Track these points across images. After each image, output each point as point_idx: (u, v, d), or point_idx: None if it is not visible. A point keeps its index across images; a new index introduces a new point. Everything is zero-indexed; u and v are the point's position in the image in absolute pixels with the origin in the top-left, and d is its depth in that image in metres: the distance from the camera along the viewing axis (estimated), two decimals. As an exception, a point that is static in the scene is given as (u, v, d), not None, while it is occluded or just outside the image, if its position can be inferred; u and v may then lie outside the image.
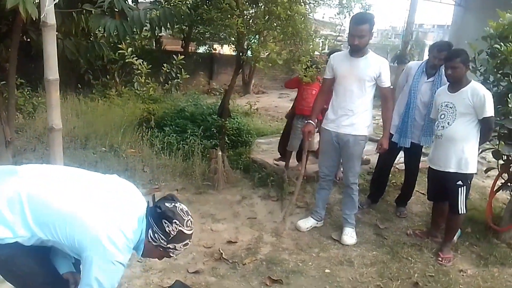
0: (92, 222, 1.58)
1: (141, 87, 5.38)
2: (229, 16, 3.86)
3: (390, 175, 4.30)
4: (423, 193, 4.25)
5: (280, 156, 5.13)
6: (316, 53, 4.25)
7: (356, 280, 2.89)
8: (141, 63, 4.71)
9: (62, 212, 1.57)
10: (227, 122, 4.99)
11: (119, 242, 1.60)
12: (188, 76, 5.49)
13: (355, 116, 3.24)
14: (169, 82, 5.73)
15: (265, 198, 4.25)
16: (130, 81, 6.71)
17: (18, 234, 1.53)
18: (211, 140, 5.20)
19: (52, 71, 2.41)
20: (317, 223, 3.61)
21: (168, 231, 1.67)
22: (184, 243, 1.74)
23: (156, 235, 1.68)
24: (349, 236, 3.40)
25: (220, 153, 4.55)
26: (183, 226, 1.71)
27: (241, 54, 4.43)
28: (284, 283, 2.79)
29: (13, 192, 1.55)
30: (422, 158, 3.96)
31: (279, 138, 5.27)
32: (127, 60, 5.12)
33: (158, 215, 1.69)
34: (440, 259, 3.19)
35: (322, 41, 4.38)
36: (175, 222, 1.69)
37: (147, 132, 5.25)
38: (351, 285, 2.83)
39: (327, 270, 2.98)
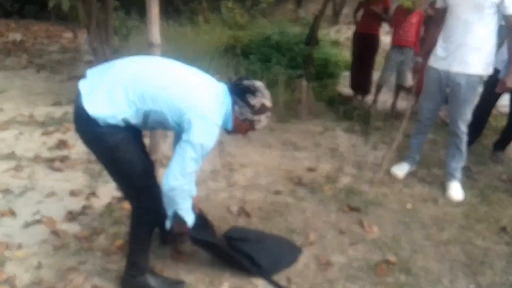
0: (188, 89, 1.74)
1: (227, 13, 5.37)
2: None
3: (491, 117, 3.93)
4: (526, 139, 3.85)
5: (353, 93, 4.93)
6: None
7: (439, 218, 2.80)
8: (230, -13, 4.65)
9: (158, 83, 1.72)
10: (314, 51, 4.84)
11: (213, 106, 1.75)
12: (275, 1, 5.32)
13: (471, 52, 2.78)
14: (255, 7, 5.63)
15: (349, 131, 4.18)
16: (217, 7, 6.70)
17: (124, 109, 1.67)
18: (296, 70, 5.14)
19: (152, -13, 2.48)
20: (412, 168, 3.38)
21: (253, 103, 1.81)
22: (266, 114, 1.87)
23: (242, 109, 1.82)
24: (457, 191, 3.07)
25: (305, 83, 4.49)
26: (265, 97, 1.84)
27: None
28: (362, 212, 2.81)
29: (112, 75, 1.72)
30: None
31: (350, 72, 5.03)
32: (215, -16, 5.09)
33: (241, 91, 1.82)
34: (536, 208, 2.94)
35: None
36: (258, 95, 1.82)
37: (233, 59, 5.31)
38: (433, 221, 2.75)
39: (408, 205, 2.92)
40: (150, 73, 1.76)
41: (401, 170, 3.34)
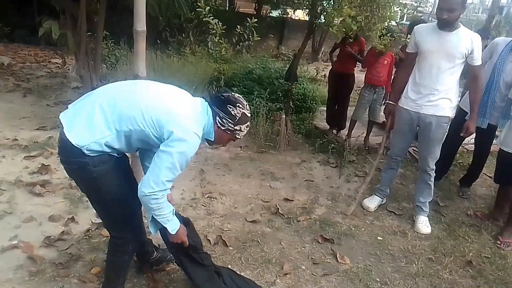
0: (165, 103, 1.77)
1: (214, 47, 5.57)
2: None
3: (458, 155, 4.16)
4: (490, 176, 4.09)
5: (329, 127, 5.14)
6: (392, 22, 4.13)
7: (408, 250, 2.94)
8: (217, 23, 4.85)
9: (135, 102, 1.74)
10: (293, 86, 5.05)
11: (193, 117, 1.79)
12: (259, 38, 5.57)
13: (440, 96, 2.97)
14: (241, 43, 5.86)
15: (324, 163, 4.34)
16: (203, 40, 6.95)
17: (104, 134, 1.69)
18: (276, 103, 5.32)
19: (140, 23, 2.64)
20: (382, 201, 3.56)
21: (234, 114, 1.86)
22: (246, 124, 1.93)
23: (224, 120, 1.87)
24: (424, 225, 3.23)
25: (284, 116, 4.67)
26: (245, 108, 1.90)
27: (314, 18, 4.41)
28: (335, 243, 2.92)
29: (90, 103, 1.75)
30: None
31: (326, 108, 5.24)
32: (203, 20, 5.29)
33: (222, 102, 1.87)
34: (499, 242, 3.11)
35: (400, 10, 4.21)
36: (238, 105, 1.87)
37: (216, 91, 5.47)
38: (402, 254, 2.89)
39: (379, 238, 3.06)
40: (127, 94, 1.79)
41: (372, 203, 3.49)
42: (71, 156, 1.72)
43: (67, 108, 1.83)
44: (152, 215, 1.83)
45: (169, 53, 7.20)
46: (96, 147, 1.70)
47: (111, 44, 6.60)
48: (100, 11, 4.74)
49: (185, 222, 2.14)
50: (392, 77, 4.59)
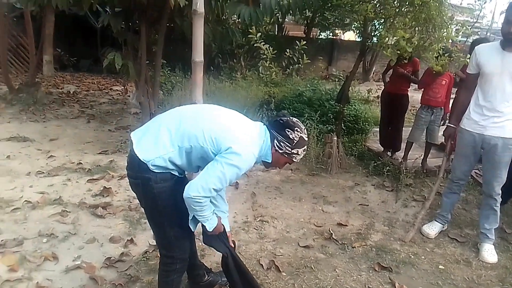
0: (225, 123, 1.86)
1: (265, 71, 5.68)
2: (358, 1, 3.84)
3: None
4: None
5: (383, 149, 4.98)
6: (449, 40, 3.99)
7: (472, 280, 2.73)
8: (267, 48, 4.96)
9: (197, 122, 1.84)
10: (344, 108, 4.99)
11: (251, 137, 1.86)
12: (309, 61, 5.61)
13: (506, 117, 2.82)
14: (291, 66, 5.93)
15: (379, 187, 4.20)
16: (254, 65, 7.11)
17: (168, 150, 1.81)
18: (327, 125, 5.29)
19: (198, 53, 2.77)
20: (443, 227, 3.37)
21: (292, 137, 1.90)
22: (303, 148, 1.95)
23: (281, 143, 1.90)
24: (490, 253, 3.02)
25: (335, 138, 4.61)
26: (303, 132, 1.93)
27: (366, 40, 4.37)
28: (393, 271, 2.78)
29: (158, 123, 1.89)
30: None
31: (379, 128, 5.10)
32: (254, 45, 5.44)
33: (281, 126, 1.92)
34: None
35: (457, 28, 4.06)
36: (296, 129, 1.91)
37: (267, 114, 5.54)
38: (466, 284, 2.69)
39: (441, 266, 2.87)
40: (191, 115, 1.91)
41: (432, 229, 3.31)
42: (137, 171, 1.84)
43: (136, 129, 1.97)
44: (193, 215, 1.89)
45: (221, 78, 7.43)
46: (161, 162, 1.80)
47: (168, 72, 6.94)
48: (158, 42, 5.03)
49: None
50: (452, 97, 4.40)
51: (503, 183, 2.99)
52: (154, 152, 1.80)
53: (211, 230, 1.95)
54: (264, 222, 3.35)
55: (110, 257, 2.72)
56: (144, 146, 1.83)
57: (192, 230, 2.01)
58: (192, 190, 1.75)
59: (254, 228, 3.25)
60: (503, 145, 2.86)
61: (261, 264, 2.75)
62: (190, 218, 1.93)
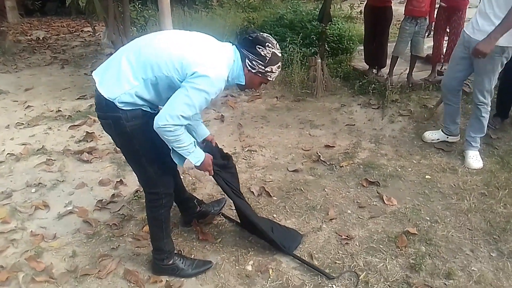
0: (189, 46, 1.73)
1: (240, -5, 5.36)
2: None
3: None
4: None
5: (368, 67, 4.87)
6: None
7: (458, 187, 2.81)
8: (240, -32, 4.63)
9: (159, 49, 1.71)
10: (327, 28, 4.78)
11: (219, 58, 1.74)
12: (287, -20, 5.27)
13: (496, 21, 2.65)
14: (268, -13, 5.59)
15: (365, 106, 4.17)
16: (230, -11, 6.69)
17: (132, 84, 1.69)
18: (310, 48, 5.11)
19: (161, -22, 2.55)
20: (447, 138, 3.36)
21: (263, 54, 1.77)
22: (278, 64, 1.84)
23: (254, 62, 1.79)
24: (475, 159, 3.06)
25: (319, 60, 4.49)
26: (275, 47, 1.80)
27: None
28: (381, 185, 2.85)
29: (118, 57, 1.76)
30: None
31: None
32: (226, -34, 5.08)
33: (251, 43, 1.79)
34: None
35: None
36: (268, 45, 1.78)
37: (244, 31, 5.29)
38: (452, 191, 2.77)
39: (427, 176, 2.94)
40: (151, 42, 1.77)
41: (431, 134, 3.43)
42: (105, 110, 1.75)
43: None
44: (172, 147, 1.81)
45: (197, 7, 7.02)
46: (128, 98, 1.70)
47: (139, 6, 6.53)
48: (122, -27, 4.65)
49: (227, 157, 2.21)
50: (436, 7, 4.21)
51: (489, 92, 2.95)
52: (118, 88, 1.69)
53: (198, 165, 1.89)
54: (252, 152, 3.35)
55: (102, 200, 2.73)
56: (108, 84, 1.72)
57: (179, 164, 1.95)
58: (160, 119, 1.66)
59: (243, 158, 3.25)
60: None
61: (252, 191, 2.79)
62: (171, 152, 1.87)
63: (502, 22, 2.62)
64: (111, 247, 2.31)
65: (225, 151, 2.31)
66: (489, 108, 3.03)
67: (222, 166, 2.14)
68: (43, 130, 3.79)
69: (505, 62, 2.86)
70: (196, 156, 1.87)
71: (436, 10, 4.25)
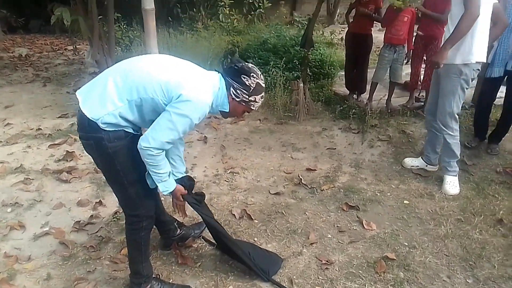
0: (175, 71, 1.76)
1: (225, 19, 5.45)
2: None
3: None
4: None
5: (349, 92, 4.99)
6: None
7: (435, 212, 2.87)
8: (225, -7, 4.73)
9: (145, 72, 1.72)
10: (309, 53, 4.91)
11: (204, 85, 1.76)
12: (270, 4, 5.40)
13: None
14: (252, 12, 5.71)
15: (346, 130, 4.26)
16: (215, 13, 6.80)
17: (117, 105, 1.71)
18: (293, 72, 5.22)
19: (148, 1, 2.58)
20: (426, 166, 3.42)
21: (248, 84, 1.82)
22: (261, 95, 1.88)
23: (238, 91, 1.83)
24: (452, 185, 3.11)
25: (301, 84, 4.58)
26: (259, 78, 1.86)
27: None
28: (360, 210, 2.89)
29: (104, 78, 1.77)
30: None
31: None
32: (212, -9, 5.18)
33: (236, 72, 1.83)
34: (532, 198, 3.00)
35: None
36: (252, 75, 1.83)
37: (229, 61, 5.38)
38: (430, 216, 2.82)
39: (405, 201, 2.99)
40: (138, 65, 1.79)
41: (411, 161, 3.48)
42: (87, 131, 1.74)
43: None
44: (148, 170, 1.83)
45: (182, 29, 7.10)
46: (111, 119, 1.70)
47: (124, 26, 6.56)
48: (109, -7, 4.68)
49: (200, 195, 2.20)
50: (414, 34, 4.38)
51: (451, 117, 3.00)
52: (102, 109, 1.69)
53: (165, 194, 1.92)
54: (234, 174, 3.36)
55: (79, 221, 2.68)
56: (91, 104, 1.71)
57: (150, 186, 1.94)
58: (143, 140, 1.69)
59: (225, 180, 3.26)
60: (445, 72, 2.89)
61: (233, 214, 2.78)
62: (146, 174, 1.87)
63: (453, 31, 2.72)
64: (87, 270, 2.25)
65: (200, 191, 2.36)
66: (456, 134, 3.08)
67: (198, 200, 2.16)
68: (22, 148, 3.72)
69: (466, 87, 2.92)
70: (166, 186, 1.89)
71: (413, 39, 4.43)
